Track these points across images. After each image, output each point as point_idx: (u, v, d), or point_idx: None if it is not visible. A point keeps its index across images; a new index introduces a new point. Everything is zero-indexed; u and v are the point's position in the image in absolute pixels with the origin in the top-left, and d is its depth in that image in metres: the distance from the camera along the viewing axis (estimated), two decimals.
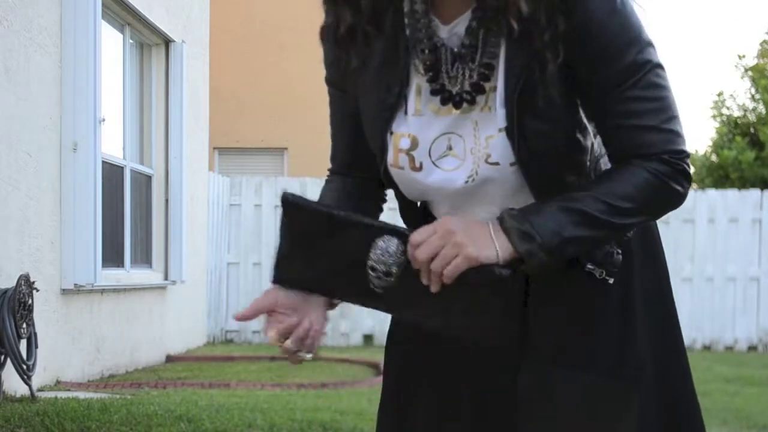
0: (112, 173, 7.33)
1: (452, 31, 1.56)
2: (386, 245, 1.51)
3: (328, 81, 1.72)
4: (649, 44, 1.53)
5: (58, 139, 6.27)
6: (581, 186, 1.56)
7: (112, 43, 7.51)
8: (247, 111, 14.26)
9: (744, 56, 16.06)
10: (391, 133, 1.59)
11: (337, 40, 1.58)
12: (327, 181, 1.80)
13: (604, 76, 1.51)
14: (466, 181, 1.57)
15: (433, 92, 1.57)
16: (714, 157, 15.69)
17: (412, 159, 1.59)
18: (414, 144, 1.58)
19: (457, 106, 1.56)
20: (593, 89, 1.53)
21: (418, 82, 1.59)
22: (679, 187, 1.55)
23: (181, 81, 8.51)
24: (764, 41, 16.28)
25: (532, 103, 1.51)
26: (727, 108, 15.96)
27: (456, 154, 1.57)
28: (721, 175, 15.18)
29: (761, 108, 15.56)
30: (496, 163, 1.55)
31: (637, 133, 1.52)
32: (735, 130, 15.67)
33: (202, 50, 9.64)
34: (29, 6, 5.86)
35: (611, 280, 1.63)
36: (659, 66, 1.53)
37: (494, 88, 1.54)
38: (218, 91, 12.60)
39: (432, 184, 1.59)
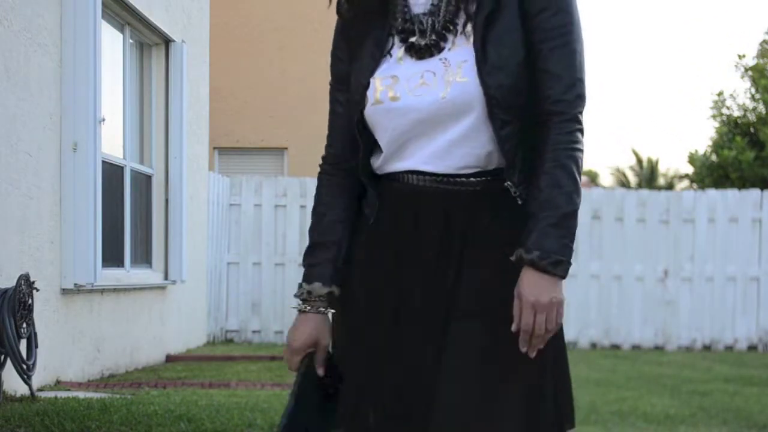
0: (112, 173, 7.33)
1: (426, 4, 1.98)
2: None
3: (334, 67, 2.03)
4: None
5: (58, 139, 6.27)
6: (551, 176, 1.89)
7: (112, 43, 7.50)
8: (247, 111, 14.25)
9: (744, 56, 16.03)
10: (375, 78, 1.95)
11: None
12: (328, 176, 2.06)
13: (545, 23, 1.91)
14: (443, 97, 1.89)
15: (407, 49, 1.95)
16: (714, 157, 15.66)
17: (392, 91, 1.93)
18: (395, 81, 1.94)
19: (425, 56, 1.93)
20: (536, 33, 1.91)
21: (399, 46, 1.97)
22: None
23: (181, 81, 8.51)
24: (764, 41, 16.25)
25: (495, 33, 1.90)
26: (727, 108, 15.94)
27: (427, 83, 1.92)
28: (721, 175, 15.17)
29: (761, 108, 15.53)
30: (465, 79, 1.88)
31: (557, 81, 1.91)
32: (735, 129, 15.65)
33: (202, 50, 9.64)
34: (29, 6, 5.86)
35: (520, 202, 1.93)
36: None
37: (464, 32, 1.92)
38: (218, 91, 12.60)
39: (407, 106, 1.91)
